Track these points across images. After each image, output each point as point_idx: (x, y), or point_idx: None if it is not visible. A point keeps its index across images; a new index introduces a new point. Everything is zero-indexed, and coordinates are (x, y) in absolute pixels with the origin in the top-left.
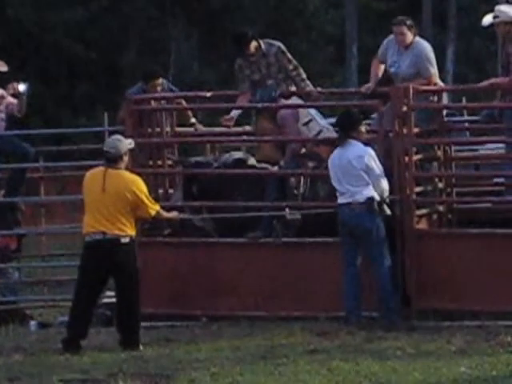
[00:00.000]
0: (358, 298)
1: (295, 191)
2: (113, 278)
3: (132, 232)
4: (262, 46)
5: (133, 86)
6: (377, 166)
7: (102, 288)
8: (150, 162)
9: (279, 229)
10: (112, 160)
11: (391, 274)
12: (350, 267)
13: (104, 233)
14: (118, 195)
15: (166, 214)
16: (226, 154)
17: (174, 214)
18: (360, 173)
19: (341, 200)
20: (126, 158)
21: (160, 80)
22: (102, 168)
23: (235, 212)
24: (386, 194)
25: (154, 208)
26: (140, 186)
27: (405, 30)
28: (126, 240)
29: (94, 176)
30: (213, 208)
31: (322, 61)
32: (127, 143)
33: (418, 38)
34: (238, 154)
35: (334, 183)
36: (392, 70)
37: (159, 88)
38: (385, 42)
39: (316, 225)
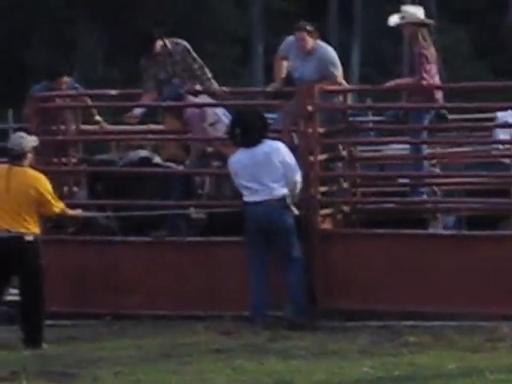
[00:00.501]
0: (264, 297)
1: (200, 190)
2: (17, 276)
3: (36, 230)
4: (168, 45)
5: (38, 84)
6: (291, 159)
7: (5, 286)
8: (55, 160)
9: (184, 228)
10: (16, 157)
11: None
12: (257, 266)
13: (8, 230)
14: (22, 193)
15: (70, 212)
16: (131, 153)
17: (78, 212)
18: (279, 166)
19: (253, 198)
20: (30, 156)
21: (65, 78)
22: (5, 165)
23: (140, 210)
24: (299, 187)
25: (58, 206)
26: (44, 183)
27: (305, 35)
28: (30, 238)
29: None
30: (118, 206)
31: (227, 60)
32: (31, 140)
33: (319, 42)
34: (143, 153)
35: (245, 182)
36: (296, 75)
37: (64, 86)
38: (287, 40)
39: (221, 223)
